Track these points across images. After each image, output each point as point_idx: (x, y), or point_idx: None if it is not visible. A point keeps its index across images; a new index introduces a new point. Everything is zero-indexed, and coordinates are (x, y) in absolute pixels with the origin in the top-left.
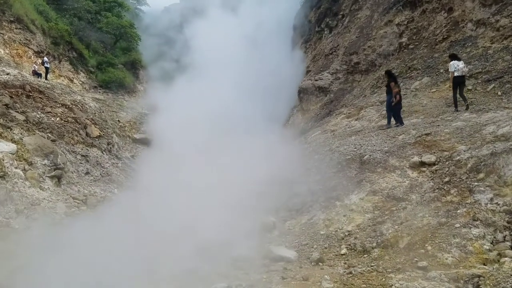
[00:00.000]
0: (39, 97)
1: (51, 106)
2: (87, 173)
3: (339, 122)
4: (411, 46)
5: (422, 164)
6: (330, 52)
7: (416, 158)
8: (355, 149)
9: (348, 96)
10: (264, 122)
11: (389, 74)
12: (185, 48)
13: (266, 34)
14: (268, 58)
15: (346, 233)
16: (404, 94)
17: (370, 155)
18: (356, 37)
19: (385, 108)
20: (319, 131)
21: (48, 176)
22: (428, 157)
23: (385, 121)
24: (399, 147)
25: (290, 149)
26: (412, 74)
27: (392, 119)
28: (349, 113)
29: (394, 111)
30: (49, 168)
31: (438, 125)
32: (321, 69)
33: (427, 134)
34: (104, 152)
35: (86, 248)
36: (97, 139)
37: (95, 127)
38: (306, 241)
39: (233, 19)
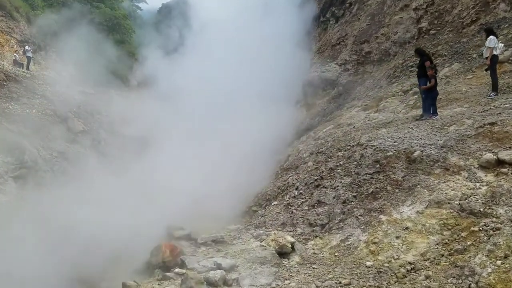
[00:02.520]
0: (15, 87)
1: (28, 97)
2: (63, 172)
3: (355, 115)
4: (432, 32)
5: (500, 163)
6: (338, 42)
7: (489, 155)
8: (396, 143)
9: (359, 88)
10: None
11: (421, 52)
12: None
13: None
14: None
15: (408, 267)
16: None
17: (421, 151)
18: (367, 25)
19: (412, 97)
20: (332, 126)
21: (11, 176)
22: (508, 154)
23: (416, 112)
24: (457, 141)
25: (299, 145)
26: (437, 61)
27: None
28: (365, 105)
29: (430, 98)
30: (14, 166)
31: (499, 113)
32: (328, 60)
33: (491, 124)
34: (87, 149)
35: None
36: (80, 135)
37: (79, 121)
38: (346, 277)
39: None
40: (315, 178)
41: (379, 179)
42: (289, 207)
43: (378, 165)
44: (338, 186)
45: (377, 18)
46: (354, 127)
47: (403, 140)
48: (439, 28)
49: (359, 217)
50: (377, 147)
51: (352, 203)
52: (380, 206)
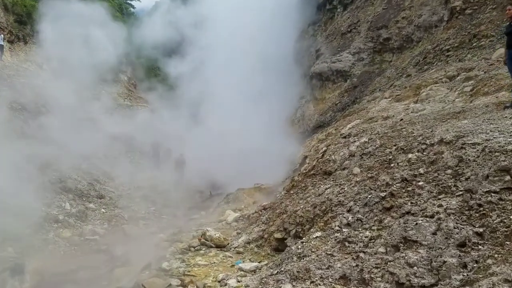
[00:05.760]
0: None
1: None
2: (29, 178)
3: (388, 107)
4: (468, 11)
5: None
6: (348, 29)
7: None
8: None
9: (379, 78)
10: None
11: None
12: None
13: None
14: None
15: None
16: (490, 65)
17: None
18: (383, 9)
19: (466, 83)
20: (358, 120)
21: None
22: None
23: (483, 99)
24: None
25: (319, 144)
26: (482, 43)
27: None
28: (397, 95)
29: None
30: None
31: None
32: (339, 49)
33: None
34: (63, 150)
35: None
36: (55, 133)
37: (54, 117)
38: None
39: None
40: (380, 194)
41: None
42: (347, 244)
43: (508, 177)
44: (439, 212)
45: (394, 1)
46: (401, 120)
47: None
48: (476, 7)
49: (510, 279)
50: (487, 146)
51: (481, 247)
52: None
